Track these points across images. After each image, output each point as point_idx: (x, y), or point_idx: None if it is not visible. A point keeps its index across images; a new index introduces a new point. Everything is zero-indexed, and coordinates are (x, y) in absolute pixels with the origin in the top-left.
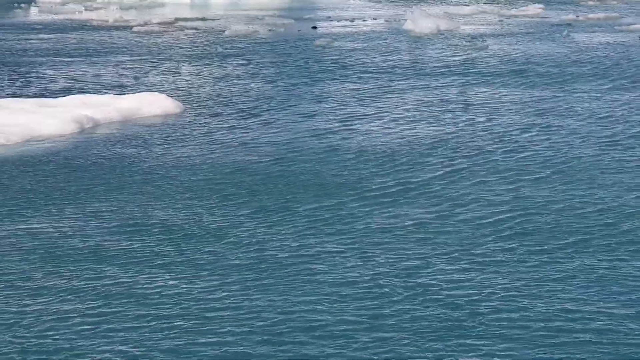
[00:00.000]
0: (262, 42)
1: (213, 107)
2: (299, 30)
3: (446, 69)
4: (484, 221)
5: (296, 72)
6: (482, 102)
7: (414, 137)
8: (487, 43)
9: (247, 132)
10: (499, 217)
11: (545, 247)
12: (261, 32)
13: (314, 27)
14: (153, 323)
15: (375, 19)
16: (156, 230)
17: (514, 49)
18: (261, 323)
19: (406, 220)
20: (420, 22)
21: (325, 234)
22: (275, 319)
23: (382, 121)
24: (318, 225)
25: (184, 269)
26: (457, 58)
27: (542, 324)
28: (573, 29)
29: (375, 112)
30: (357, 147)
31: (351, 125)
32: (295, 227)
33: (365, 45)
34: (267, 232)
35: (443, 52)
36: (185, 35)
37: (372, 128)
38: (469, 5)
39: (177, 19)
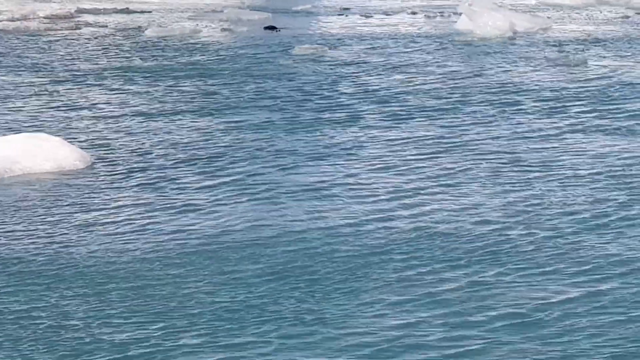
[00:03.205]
0: (208, 49)
1: (137, 159)
2: (278, 30)
3: (526, 104)
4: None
5: (264, 106)
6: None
7: (464, 225)
8: (587, 56)
9: (194, 205)
10: None
11: None
12: (206, 33)
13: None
14: None
15: (414, 12)
16: None
17: (633, 68)
18: None
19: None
20: (482, 17)
21: None
22: None
23: (409, 199)
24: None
25: None
26: (541, 84)
27: None
28: None
29: (397, 182)
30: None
31: (353, 203)
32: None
33: (387, 59)
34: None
35: (519, 71)
36: (87, 36)
37: (395, 210)
38: None
39: (79, 10)
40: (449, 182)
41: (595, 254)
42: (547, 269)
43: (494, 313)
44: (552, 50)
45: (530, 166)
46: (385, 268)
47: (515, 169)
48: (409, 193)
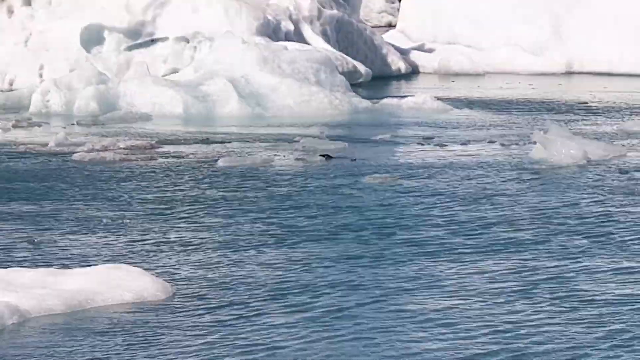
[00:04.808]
0: (280, 179)
1: (217, 292)
2: (353, 160)
3: (592, 236)
4: None
5: (341, 238)
6: None
7: None
8: None
9: (276, 344)
10: None
11: None
12: (279, 162)
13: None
14: None
15: (492, 141)
16: None
17: None
18: None
19: None
20: (556, 146)
21: None
22: None
23: None
24: None
25: None
26: (607, 214)
27: None
28: None
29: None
30: None
31: None
32: None
33: (462, 188)
34: None
35: (586, 201)
36: (162, 167)
37: None
38: None
39: (160, 141)
40: (534, 319)
41: None
42: None
43: None
44: (621, 179)
45: (612, 304)
46: None
47: (598, 308)
48: (496, 331)
